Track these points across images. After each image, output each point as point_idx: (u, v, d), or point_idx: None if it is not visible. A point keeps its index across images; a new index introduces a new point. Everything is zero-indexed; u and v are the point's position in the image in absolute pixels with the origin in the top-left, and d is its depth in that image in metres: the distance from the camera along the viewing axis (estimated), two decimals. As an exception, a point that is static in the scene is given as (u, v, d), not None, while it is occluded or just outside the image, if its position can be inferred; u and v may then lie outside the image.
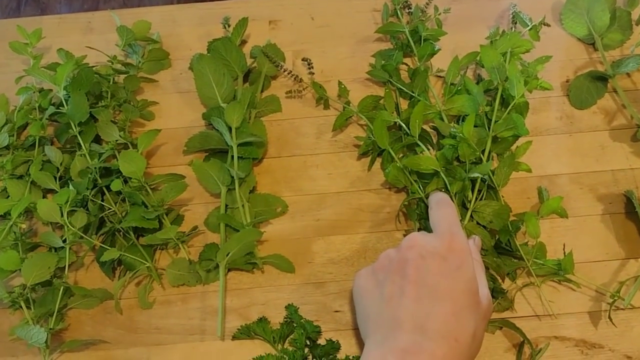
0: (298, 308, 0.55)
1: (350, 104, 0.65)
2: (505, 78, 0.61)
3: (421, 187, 0.58)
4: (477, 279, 0.46)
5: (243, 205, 0.59)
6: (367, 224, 0.61)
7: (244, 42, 0.72)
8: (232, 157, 0.60)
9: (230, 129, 0.60)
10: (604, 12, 0.66)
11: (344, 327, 0.55)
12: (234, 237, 0.55)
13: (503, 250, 0.57)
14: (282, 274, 0.58)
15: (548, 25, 0.67)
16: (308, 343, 0.54)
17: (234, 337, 0.55)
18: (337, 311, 0.56)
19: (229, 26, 0.68)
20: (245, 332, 0.54)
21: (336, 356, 0.53)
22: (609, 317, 0.54)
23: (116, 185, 0.58)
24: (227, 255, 0.55)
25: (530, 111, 0.65)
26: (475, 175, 0.56)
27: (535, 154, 0.63)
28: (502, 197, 0.60)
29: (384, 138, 0.59)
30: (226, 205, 0.60)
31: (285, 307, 0.56)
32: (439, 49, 0.65)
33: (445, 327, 0.42)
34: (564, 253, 0.55)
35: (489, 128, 0.60)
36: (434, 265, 0.45)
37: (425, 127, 0.64)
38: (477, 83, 0.66)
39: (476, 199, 0.58)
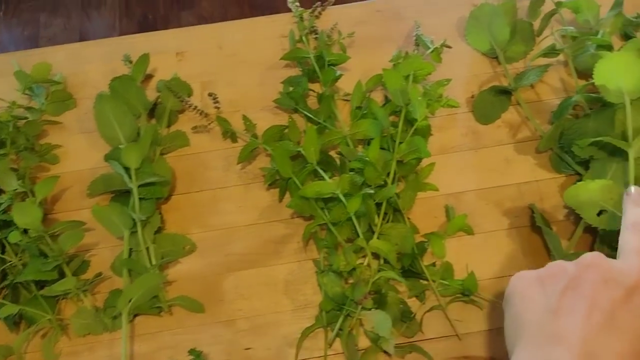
0: (201, 352, 0.54)
1: (258, 135, 0.64)
2: (408, 101, 0.61)
3: (327, 213, 0.58)
4: None
5: (147, 248, 0.58)
6: (278, 255, 0.60)
7: (150, 77, 0.71)
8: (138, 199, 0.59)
9: (129, 170, 0.58)
10: (504, 25, 0.67)
11: (254, 364, 0.55)
12: (135, 282, 0.54)
13: (410, 272, 0.57)
14: (191, 315, 0.58)
15: (449, 47, 0.67)
16: (217, 385, 0.53)
17: (142, 385, 0.54)
18: (247, 348, 0.56)
19: (130, 63, 0.67)
20: (153, 379, 0.53)
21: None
22: (515, 334, 0.54)
23: (14, 237, 0.56)
24: (129, 301, 0.54)
25: (437, 129, 0.65)
26: (381, 199, 0.56)
27: (441, 172, 0.63)
28: (409, 218, 0.60)
29: (286, 167, 0.58)
30: (131, 249, 0.59)
31: (189, 352, 0.54)
32: (341, 74, 0.65)
33: None
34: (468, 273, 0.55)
35: (394, 151, 0.60)
36: (618, 295, 0.39)
37: (332, 153, 0.64)
38: (385, 105, 0.66)
39: (383, 221, 0.58)
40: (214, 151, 0.66)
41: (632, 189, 0.49)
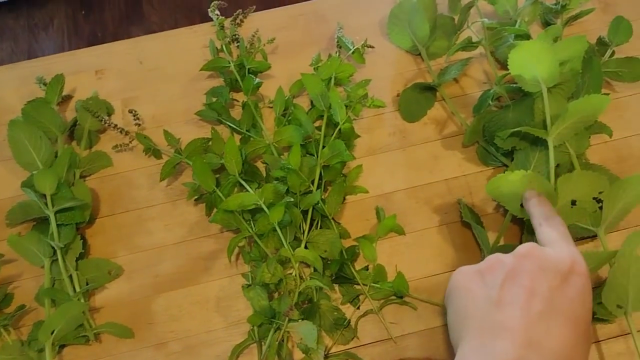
0: (128, 379, 0.53)
1: (183, 149, 0.63)
2: (329, 105, 0.60)
3: (253, 225, 0.57)
4: None
5: (70, 275, 0.56)
6: (208, 272, 0.59)
7: (70, 97, 0.69)
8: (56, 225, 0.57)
9: (45, 196, 0.56)
10: (423, 22, 0.67)
11: (187, 387, 0.53)
12: (56, 312, 0.52)
13: (343, 278, 0.56)
14: (121, 341, 0.56)
15: (371, 47, 0.67)
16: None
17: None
18: (180, 371, 0.54)
19: (45, 85, 0.65)
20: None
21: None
22: (449, 332, 0.54)
23: None
24: (52, 333, 0.52)
25: (364, 131, 0.65)
26: (306, 206, 0.56)
27: (371, 174, 0.62)
28: (339, 223, 0.59)
29: (208, 181, 0.57)
30: (54, 278, 0.56)
31: (115, 381, 0.53)
32: (261, 82, 0.64)
33: (562, 350, 0.38)
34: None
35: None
36: (555, 282, 0.41)
37: (259, 163, 0.63)
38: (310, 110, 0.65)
39: (310, 229, 0.57)
40: (138, 169, 0.64)
41: (527, 193, 0.52)
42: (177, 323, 0.56)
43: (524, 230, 0.57)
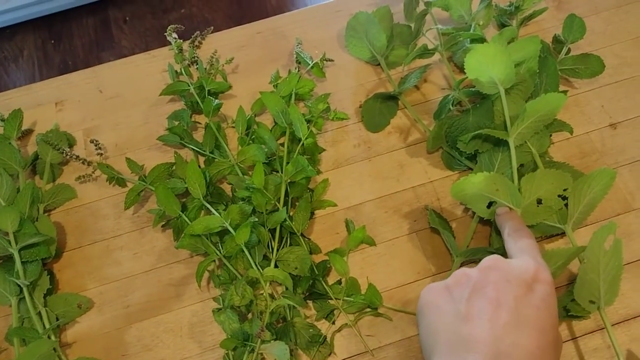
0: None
1: (147, 176, 0.62)
2: (291, 121, 0.60)
3: (221, 247, 0.56)
4: None
5: (39, 312, 0.55)
6: (179, 298, 0.58)
7: (30, 131, 0.68)
8: (21, 262, 0.56)
9: (7, 234, 0.55)
10: (379, 32, 0.67)
11: (164, 417, 0.52)
12: (24, 352, 0.51)
13: (316, 293, 0.56)
14: (94, 376, 0.55)
15: (331, 60, 0.67)
16: None
17: None
18: (156, 402, 0.53)
19: (3, 121, 0.64)
20: None
21: None
22: (424, 340, 0.54)
23: None
24: (21, 374, 0.51)
25: (329, 144, 0.65)
26: (273, 224, 0.55)
27: (339, 187, 0.62)
28: (309, 239, 0.59)
29: (172, 206, 0.56)
30: (23, 316, 0.55)
31: (87, 418, 0.52)
32: (221, 103, 0.64)
33: None
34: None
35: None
36: (520, 292, 0.41)
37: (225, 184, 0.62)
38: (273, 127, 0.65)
39: (279, 246, 0.56)
40: (103, 199, 0.63)
41: (499, 209, 0.53)
42: (151, 353, 0.55)
43: (491, 231, 0.57)
